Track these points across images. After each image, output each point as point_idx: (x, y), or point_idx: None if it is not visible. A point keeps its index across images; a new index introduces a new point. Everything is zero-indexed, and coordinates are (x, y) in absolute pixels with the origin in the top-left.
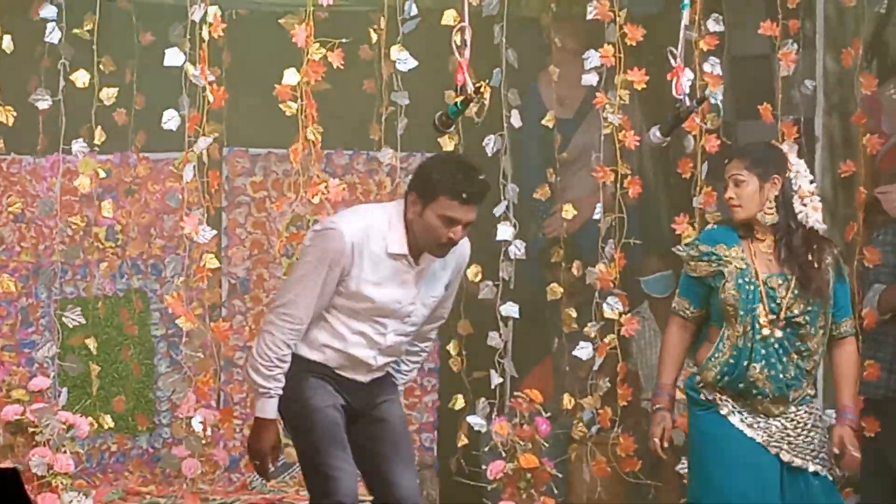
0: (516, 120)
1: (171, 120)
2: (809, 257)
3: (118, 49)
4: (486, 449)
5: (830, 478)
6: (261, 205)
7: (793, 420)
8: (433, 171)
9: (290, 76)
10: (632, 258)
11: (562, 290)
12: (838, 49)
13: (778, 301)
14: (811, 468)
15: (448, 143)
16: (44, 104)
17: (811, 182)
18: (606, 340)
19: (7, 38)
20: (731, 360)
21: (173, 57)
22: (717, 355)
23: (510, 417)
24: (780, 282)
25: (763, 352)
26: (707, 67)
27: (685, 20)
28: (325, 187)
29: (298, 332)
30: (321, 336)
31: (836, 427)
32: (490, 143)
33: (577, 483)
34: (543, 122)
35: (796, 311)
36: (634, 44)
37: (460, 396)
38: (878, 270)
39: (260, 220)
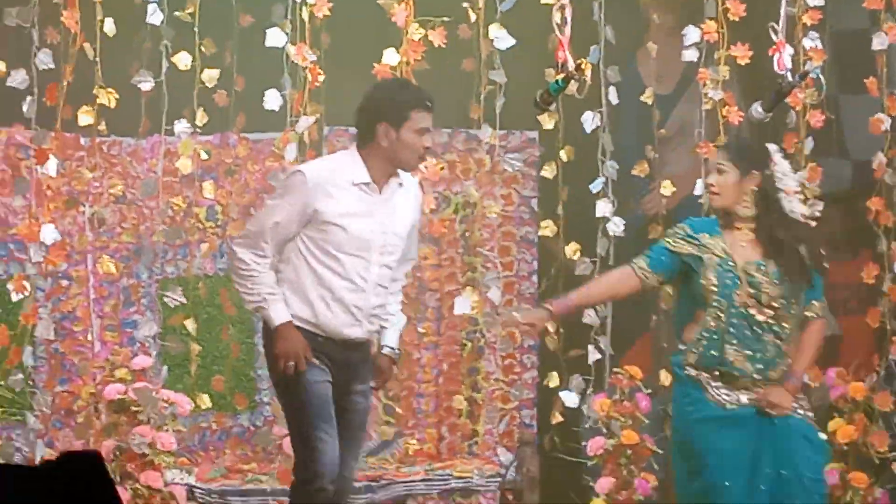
0: (614, 97)
1: (272, 100)
2: (794, 246)
3: (218, 31)
4: (587, 426)
5: (808, 418)
6: None
7: None
8: (391, 96)
9: (390, 56)
10: None
11: None
12: None
13: (756, 285)
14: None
15: (548, 121)
16: (146, 86)
17: (795, 181)
18: None
19: (109, 21)
20: (711, 343)
21: (275, 38)
22: (699, 339)
23: (610, 394)
24: (757, 268)
25: (739, 334)
26: (808, 42)
27: None
28: (424, 166)
29: (262, 259)
30: (311, 288)
31: (771, 386)
32: (588, 120)
33: None
34: (642, 98)
35: (773, 295)
36: (737, 19)
37: (555, 373)
38: None
39: None
